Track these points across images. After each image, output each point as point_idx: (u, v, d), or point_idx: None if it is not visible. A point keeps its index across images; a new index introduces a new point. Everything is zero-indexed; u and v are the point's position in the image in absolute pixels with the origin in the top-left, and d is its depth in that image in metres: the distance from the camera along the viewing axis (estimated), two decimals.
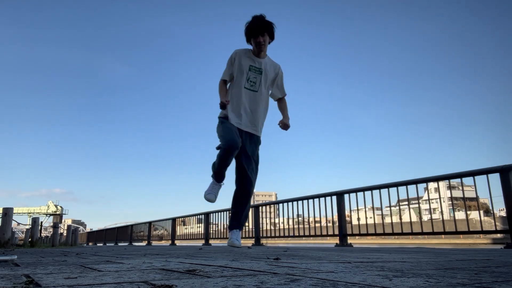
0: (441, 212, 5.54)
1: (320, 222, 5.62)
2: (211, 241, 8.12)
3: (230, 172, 3.31)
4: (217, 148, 3.20)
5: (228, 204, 5.74)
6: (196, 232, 9.06)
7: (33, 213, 77.27)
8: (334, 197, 5.26)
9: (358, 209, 5.26)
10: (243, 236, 7.08)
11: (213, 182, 3.30)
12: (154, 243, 11.25)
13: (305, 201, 5.71)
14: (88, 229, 66.16)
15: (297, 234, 5.93)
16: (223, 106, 3.19)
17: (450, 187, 4.73)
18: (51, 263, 1.47)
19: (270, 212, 6.74)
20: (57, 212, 78.66)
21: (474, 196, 4.27)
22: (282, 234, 6.36)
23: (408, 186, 4.43)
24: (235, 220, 3.38)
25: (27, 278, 0.93)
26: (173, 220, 9.96)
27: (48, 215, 78.10)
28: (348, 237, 5.08)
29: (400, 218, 4.93)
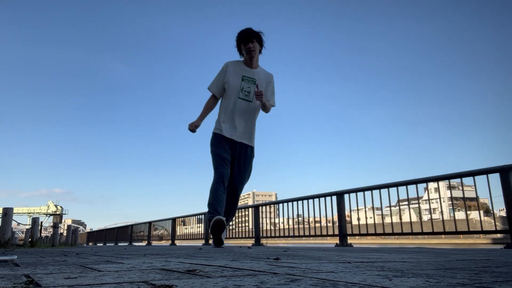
0: (441, 212, 5.54)
1: (320, 222, 5.62)
2: (211, 241, 8.10)
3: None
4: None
5: None
6: (196, 232, 9.06)
7: (33, 213, 77.29)
8: (334, 197, 5.26)
9: (358, 209, 5.26)
10: (243, 236, 7.10)
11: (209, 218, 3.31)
12: (154, 243, 11.25)
13: (305, 201, 5.71)
14: (88, 229, 66.17)
15: (297, 234, 5.93)
16: (191, 130, 3.30)
17: (450, 187, 4.72)
18: (51, 263, 1.47)
19: (270, 212, 6.74)
20: (57, 212, 78.66)
21: (474, 196, 4.27)
22: (282, 234, 6.36)
23: (408, 186, 4.43)
24: (217, 207, 3.38)
25: (27, 278, 0.93)
26: (173, 220, 9.96)
27: (48, 215, 78.11)
28: (348, 237, 5.08)
29: (400, 218, 4.93)
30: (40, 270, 1.16)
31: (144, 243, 11.62)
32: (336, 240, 5.11)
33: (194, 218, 9.22)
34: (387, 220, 5.13)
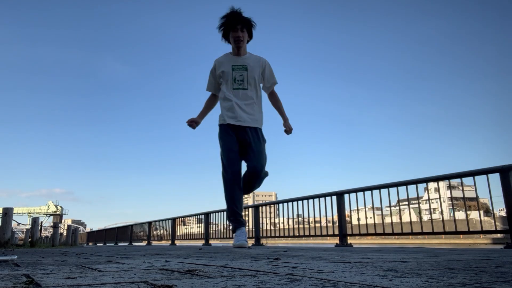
0: (441, 212, 5.54)
1: (320, 222, 5.62)
2: (211, 241, 8.12)
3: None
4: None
5: None
6: (196, 232, 9.06)
7: (33, 213, 77.26)
8: (334, 197, 5.26)
9: (358, 209, 5.26)
10: None
11: (233, 229, 3.31)
12: (154, 243, 11.25)
13: (305, 201, 5.71)
14: (88, 229, 66.16)
15: (297, 234, 5.93)
16: (189, 124, 3.34)
17: (450, 187, 4.73)
18: (51, 263, 1.47)
19: (270, 212, 6.74)
20: (57, 212, 78.64)
21: (474, 196, 4.27)
22: (282, 234, 6.36)
23: (408, 186, 4.43)
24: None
25: (27, 278, 0.93)
26: (173, 220, 9.96)
27: (48, 215, 78.09)
28: (348, 237, 5.08)
29: (400, 218, 4.93)
30: (40, 270, 1.16)
31: (144, 243, 11.62)
32: (336, 240, 5.11)
33: (194, 218, 9.21)
34: (387, 220, 5.13)
